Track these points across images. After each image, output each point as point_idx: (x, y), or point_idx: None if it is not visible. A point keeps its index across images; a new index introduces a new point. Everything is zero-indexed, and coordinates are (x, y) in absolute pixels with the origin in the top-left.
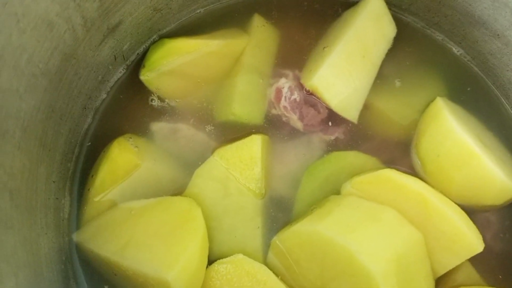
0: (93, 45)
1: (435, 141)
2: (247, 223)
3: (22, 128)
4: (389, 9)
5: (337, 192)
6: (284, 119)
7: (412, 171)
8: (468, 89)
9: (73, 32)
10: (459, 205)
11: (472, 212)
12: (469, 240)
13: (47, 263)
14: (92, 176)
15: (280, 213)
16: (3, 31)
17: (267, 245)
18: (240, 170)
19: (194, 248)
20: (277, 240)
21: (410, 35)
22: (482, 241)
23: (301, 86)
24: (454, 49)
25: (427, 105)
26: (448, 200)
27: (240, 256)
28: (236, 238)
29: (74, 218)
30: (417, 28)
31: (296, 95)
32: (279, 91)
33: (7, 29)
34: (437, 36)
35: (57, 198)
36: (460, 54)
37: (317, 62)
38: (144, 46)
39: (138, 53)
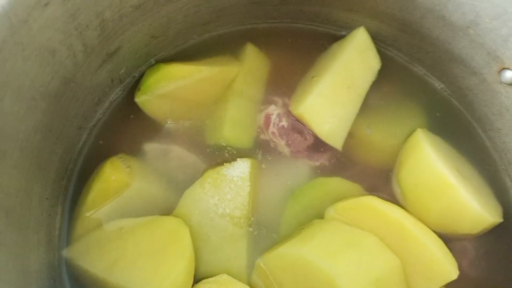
0: (92, 69)
1: (414, 171)
2: (233, 244)
3: (20, 149)
4: (374, 43)
5: (321, 216)
6: (272, 144)
7: (393, 199)
8: (448, 121)
9: (74, 57)
10: (437, 233)
11: (450, 240)
12: (444, 267)
13: (36, 279)
14: (84, 193)
15: (265, 235)
16: (9, 59)
17: (251, 266)
18: (227, 192)
19: (180, 268)
20: (261, 262)
21: (394, 68)
22: (456, 268)
23: (289, 113)
24: (435, 83)
25: (409, 135)
26: (425, 228)
27: (225, 276)
28: (222, 259)
29: (65, 234)
30: (401, 62)
31: (284, 122)
32: (268, 118)
33: (13, 57)
34: (419, 70)
35: (49, 215)
36: (441, 88)
37: (305, 91)
38: (141, 70)
39: (134, 76)
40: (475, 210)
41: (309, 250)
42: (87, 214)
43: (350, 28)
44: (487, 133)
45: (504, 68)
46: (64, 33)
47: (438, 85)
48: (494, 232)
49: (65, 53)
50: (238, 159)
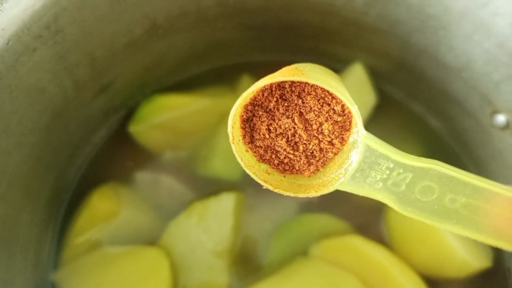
0: (84, 103)
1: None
2: (214, 277)
3: (8, 182)
4: (372, 78)
5: (306, 253)
6: None
7: (381, 239)
8: (444, 161)
9: (64, 94)
10: (423, 275)
11: (437, 282)
12: None
13: None
14: (73, 220)
15: (247, 270)
16: None
17: None
18: (211, 225)
19: None
20: None
21: (391, 104)
22: None
23: None
24: (431, 122)
25: None
26: (409, 271)
27: None
28: None
29: (52, 259)
30: (398, 99)
31: None
32: None
33: (0, 100)
34: (416, 108)
35: (38, 241)
36: (437, 127)
37: None
38: (137, 100)
39: (130, 107)
40: (460, 256)
41: None
42: (75, 240)
43: (348, 62)
44: (481, 174)
45: (496, 112)
46: (53, 73)
47: (434, 124)
48: (484, 276)
49: (54, 90)
50: (223, 192)
